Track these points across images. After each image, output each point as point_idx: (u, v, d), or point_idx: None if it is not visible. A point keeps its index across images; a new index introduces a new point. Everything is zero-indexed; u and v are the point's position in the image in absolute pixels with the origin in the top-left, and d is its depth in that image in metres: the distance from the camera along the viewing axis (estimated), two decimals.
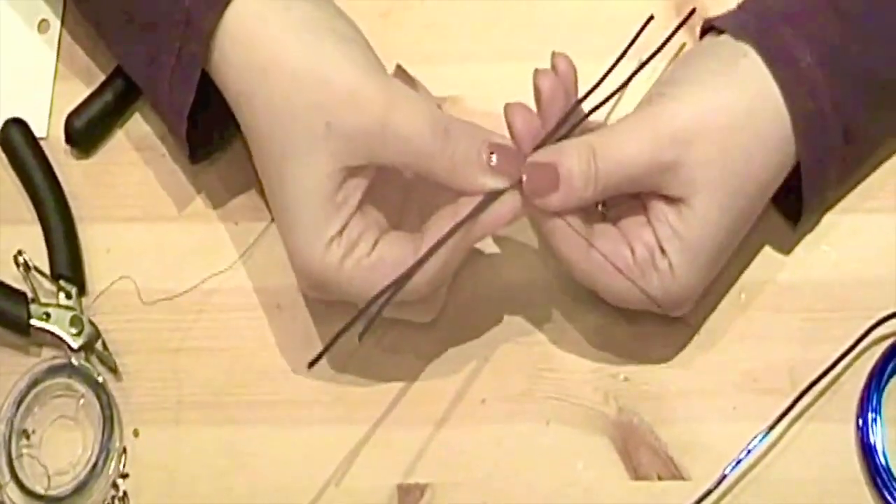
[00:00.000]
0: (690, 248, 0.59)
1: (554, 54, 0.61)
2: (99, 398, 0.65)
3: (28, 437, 0.65)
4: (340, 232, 0.59)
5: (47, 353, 0.66)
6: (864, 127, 0.62)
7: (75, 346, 0.65)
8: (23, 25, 0.73)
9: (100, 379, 0.65)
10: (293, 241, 0.60)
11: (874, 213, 0.67)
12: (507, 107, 0.60)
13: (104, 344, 0.66)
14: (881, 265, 0.66)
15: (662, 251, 0.60)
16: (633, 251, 0.60)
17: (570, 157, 0.59)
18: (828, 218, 0.67)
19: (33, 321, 0.65)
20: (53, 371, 0.66)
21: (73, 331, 0.65)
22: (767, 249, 0.67)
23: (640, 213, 0.61)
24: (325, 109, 0.58)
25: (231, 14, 0.60)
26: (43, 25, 0.73)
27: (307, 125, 0.58)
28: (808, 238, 0.67)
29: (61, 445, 0.65)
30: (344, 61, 0.59)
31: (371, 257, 0.59)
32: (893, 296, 0.65)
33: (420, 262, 0.58)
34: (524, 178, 0.59)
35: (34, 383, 0.65)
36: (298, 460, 0.65)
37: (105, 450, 0.64)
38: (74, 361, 0.65)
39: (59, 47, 0.72)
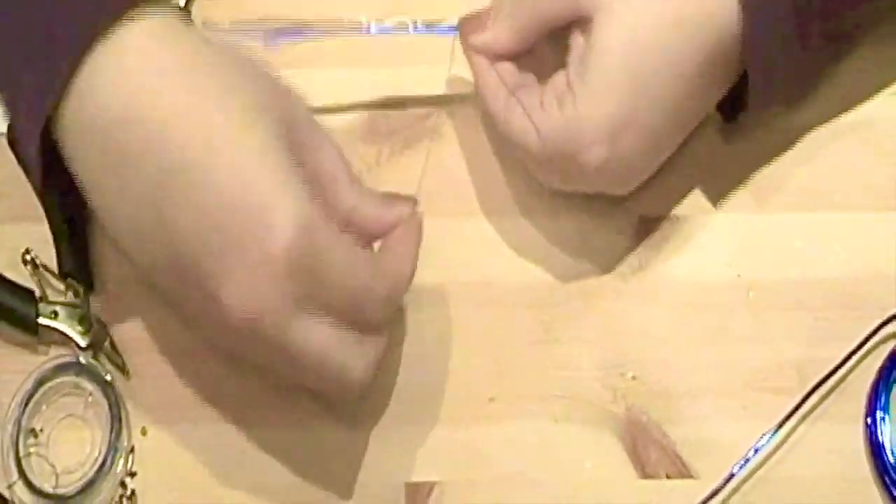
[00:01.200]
0: (590, 72, 0.59)
1: None
2: (107, 397, 0.65)
3: (36, 436, 0.65)
4: (310, 196, 0.54)
5: (55, 351, 0.66)
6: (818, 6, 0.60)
7: (83, 344, 0.65)
8: None
9: (108, 377, 0.65)
10: (271, 204, 0.53)
11: (883, 211, 0.67)
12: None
13: (112, 342, 0.66)
14: (890, 263, 0.66)
15: (570, 86, 0.60)
16: (543, 94, 0.61)
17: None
18: (837, 216, 0.67)
19: (41, 319, 0.65)
20: (61, 369, 0.66)
21: (81, 329, 0.65)
22: (776, 248, 0.67)
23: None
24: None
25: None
26: None
27: (231, 106, 0.54)
28: (818, 236, 0.67)
29: (69, 444, 0.65)
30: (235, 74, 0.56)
31: (347, 236, 0.56)
32: None
33: None
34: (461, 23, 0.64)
35: (42, 382, 0.65)
36: (306, 459, 0.65)
37: (113, 448, 0.64)
38: (82, 360, 0.65)
39: None
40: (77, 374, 0.66)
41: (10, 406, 0.65)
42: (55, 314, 0.65)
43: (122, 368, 0.66)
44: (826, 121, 0.68)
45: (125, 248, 0.57)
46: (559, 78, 0.61)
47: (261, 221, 0.53)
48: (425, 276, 0.66)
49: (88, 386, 0.65)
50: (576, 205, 0.67)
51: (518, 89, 0.63)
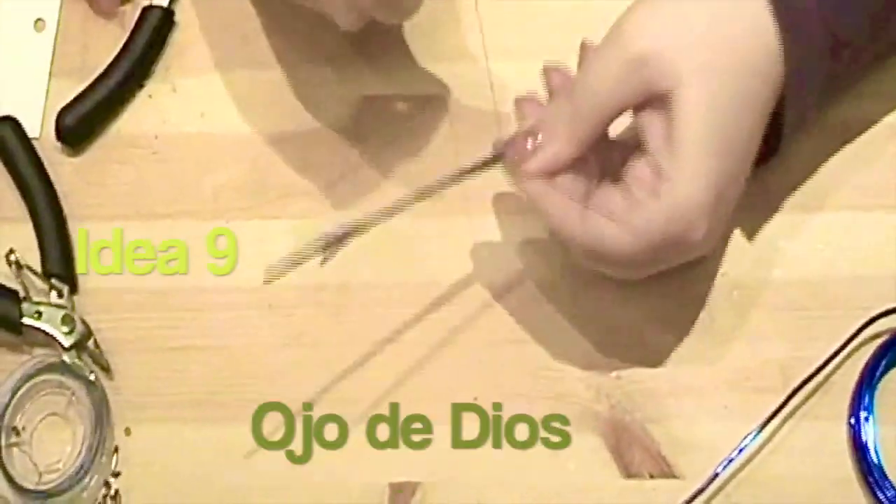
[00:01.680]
0: (682, 149, 0.55)
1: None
2: (90, 396, 0.65)
3: (18, 434, 0.65)
4: None
5: (39, 351, 0.67)
6: (854, 40, 0.59)
7: (67, 344, 0.65)
8: (18, 24, 0.73)
9: (91, 377, 0.65)
10: None
11: (867, 210, 0.67)
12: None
13: (96, 342, 0.66)
14: (874, 263, 0.66)
15: (659, 172, 0.56)
16: (626, 191, 0.57)
17: (546, 117, 0.59)
18: (821, 216, 0.67)
19: (25, 319, 0.66)
20: (45, 368, 0.66)
21: (65, 329, 0.65)
22: (760, 247, 0.66)
23: (636, 152, 0.58)
24: None
25: None
26: (39, 24, 0.73)
27: None
28: (802, 236, 0.66)
29: (52, 443, 0.65)
30: None
31: None
32: (886, 294, 0.65)
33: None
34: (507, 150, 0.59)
35: (25, 380, 0.65)
36: (289, 458, 0.64)
37: (96, 448, 0.64)
38: (66, 359, 0.65)
39: (54, 47, 0.73)
40: (61, 374, 0.66)
41: None
42: (39, 314, 0.66)
43: (106, 368, 0.66)
44: None
45: None
46: (639, 168, 0.57)
47: None
48: (408, 275, 0.66)
49: (72, 385, 0.66)
50: None
51: (588, 198, 0.58)
